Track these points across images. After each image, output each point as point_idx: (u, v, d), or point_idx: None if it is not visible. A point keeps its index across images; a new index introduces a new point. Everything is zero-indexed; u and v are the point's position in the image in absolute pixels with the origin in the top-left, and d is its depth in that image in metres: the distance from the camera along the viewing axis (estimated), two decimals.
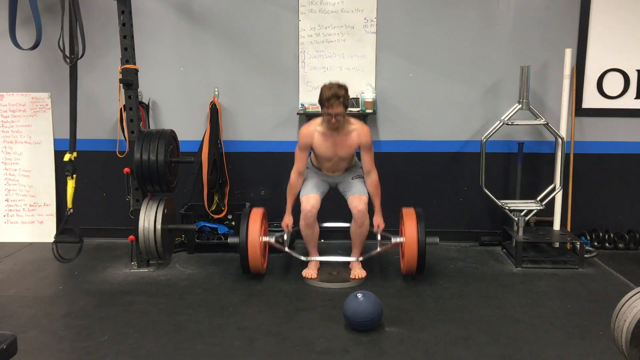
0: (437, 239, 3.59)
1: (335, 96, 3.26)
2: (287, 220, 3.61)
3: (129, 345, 2.77)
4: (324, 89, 3.33)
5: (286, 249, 3.69)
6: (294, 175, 3.56)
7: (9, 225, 4.51)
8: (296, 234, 4.25)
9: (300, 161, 3.53)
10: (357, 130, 3.47)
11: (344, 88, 3.33)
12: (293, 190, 3.59)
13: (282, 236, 3.70)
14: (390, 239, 3.60)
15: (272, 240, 3.68)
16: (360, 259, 3.66)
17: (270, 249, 4.14)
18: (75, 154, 3.63)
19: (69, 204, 3.63)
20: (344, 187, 3.66)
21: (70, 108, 3.63)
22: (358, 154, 3.62)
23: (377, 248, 3.61)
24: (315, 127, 3.49)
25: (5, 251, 4.24)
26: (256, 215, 3.63)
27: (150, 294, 3.42)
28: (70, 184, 3.62)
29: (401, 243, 3.59)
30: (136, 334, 2.89)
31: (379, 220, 3.58)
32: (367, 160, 3.52)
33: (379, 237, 3.60)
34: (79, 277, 3.74)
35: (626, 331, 2.08)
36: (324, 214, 3.65)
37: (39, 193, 4.50)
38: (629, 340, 2.07)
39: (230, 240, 3.65)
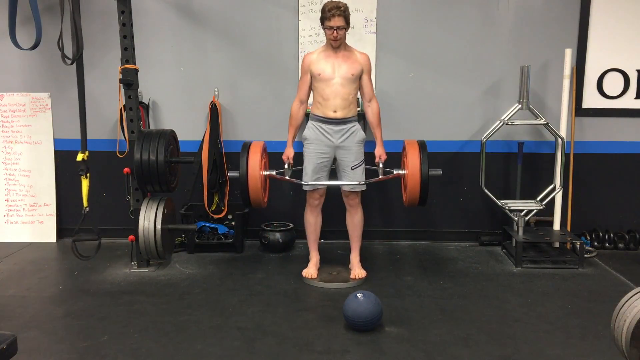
0: (439, 171, 3.55)
1: (336, 7, 3.30)
2: (288, 152, 3.60)
3: (129, 345, 2.77)
4: (325, 4, 3.38)
5: (287, 178, 3.62)
6: (295, 104, 3.57)
7: (9, 225, 4.51)
8: (296, 233, 4.27)
9: (301, 89, 3.54)
10: (360, 54, 3.51)
11: (346, 5, 3.37)
12: (294, 120, 3.59)
13: (283, 171, 3.65)
14: (392, 172, 3.58)
15: (273, 173, 3.62)
16: (362, 182, 3.58)
17: (271, 249, 4.15)
18: (87, 154, 3.66)
19: (85, 203, 3.69)
20: (341, 174, 3.59)
21: (80, 108, 3.66)
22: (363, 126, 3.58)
23: (379, 176, 3.58)
24: (316, 51, 3.53)
25: (5, 251, 4.24)
26: (256, 148, 3.57)
27: (150, 294, 3.42)
28: (85, 183, 3.67)
29: (404, 175, 3.57)
30: (136, 334, 2.89)
31: (380, 151, 3.59)
32: (369, 87, 3.54)
33: (380, 165, 3.59)
34: (79, 277, 3.74)
35: (626, 331, 2.08)
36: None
37: (39, 193, 4.50)
38: (629, 340, 2.07)
39: (231, 174, 3.62)
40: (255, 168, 3.49)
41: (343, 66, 3.43)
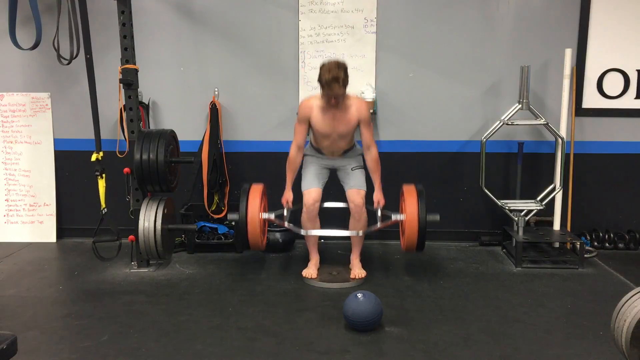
0: (437, 216, 3.54)
1: (335, 79, 3.23)
2: (287, 196, 3.60)
3: (129, 345, 2.76)
4: (324, 70, 3.28)
5: (286, 224, 3.65)
6: (293, 149, 3.56)
7: (9, 225, 4.51)
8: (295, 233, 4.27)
9: (299, 135, 3.52)
10: (356, 105, 3.46)
11: (344, 68, 3.29)
12: (292, 165, 3.58)
13: (282, 213, 3.66)
14: (390, 217, 3.58)
15: (272, 216, 3.64)
16: (360, 233, 3.62)
17: (271, 249, 4.15)
18: (101, 154, 3.68)
19: (102, 204, 3.71)
20: (343, 177, 3.66)
21: (92, 108, 3.70)
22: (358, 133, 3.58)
23: (377, 224, 3.58)
24: (315, 101, 3.46)
25: (5, 251, 4.24)
26: (256, 192, 3.59)
27: (150, 294, 3.42)
28: (101, 184, 3.71)
29: (402, 220, 3.58)
30: (136, 334, 2.89)
31: (379, 197, 3.57)
32: (367, 136, 3.52)
33: (379, 213, 3.58)
34: (79, 277, 3.74)
35: (626, 331, 2.08)
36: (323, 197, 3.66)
37: (39, 193, 4.50)
38: (629, 340, 2.07)
39: (230, 216, 3.63)
40: (255, 212, 3.51)
41: (341, 124, 3.43)
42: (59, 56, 3.51)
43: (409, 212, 3.46)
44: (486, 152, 4.08)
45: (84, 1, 3.54)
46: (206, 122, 4.32)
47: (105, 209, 3.72)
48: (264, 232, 3.69)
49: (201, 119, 4.39)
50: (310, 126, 3.52)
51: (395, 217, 3.58)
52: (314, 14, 4.22)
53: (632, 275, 3.72)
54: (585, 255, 4.00)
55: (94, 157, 3.70)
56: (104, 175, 3.71)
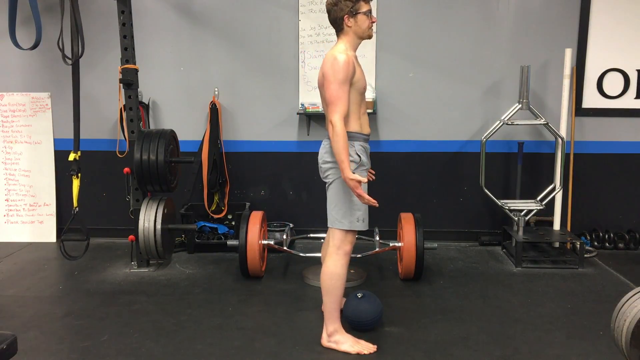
0: (435, 245, 3.61)
1: None
2: (357, 181, 2.49)
3: (129, 345, 2.76)
4: None
5: (285, 249, 3.70)
6: (343, 123, 2.50)
7: (9, 225, 4.51)
8: (296, 233, 4.27)
9: (346, 100, 2.53)
10: None
11: None
12: (347, 142, 2.51)
13: (281, 239, 3.73)
14: (388, 244, 3.63)
15: (272, 242, 3.71)
16: (359, 256, 3.64)
17: (270, 249, 4.14)
18: (79, 154, 3.66)
19: (75, 203, 3.68)
20: None
21: (74, 108, 3.66)
22: None
23: (375, 248, 3.63)
24: (349, 52, 2.60)
25: (5, 251, 4.24)
26: (255, 219, 3.63)
27: (150, 294, 3.42)
28: (76, 184, 3.68)
29: (399, 248, 3.60)
30: (136, 334, 2.89)
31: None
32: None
33: (377, 238, 3.61)
34: (79, 277, 3.74)
35: (626, 331, 2.08)
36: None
37: (39, 193, 4.51)
38: (629, 340, 2.07)
39: (230, 243, 3.66)
40: (254, 239, 3.53)
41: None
42: (64, 56, 3.51)
43: (407, 240, 3.49)
44: (486, 152, 4.07)
45: (77, 1, 3.52)
46: (206, 122, 4.32)
47: (77, 209, 3.69)
48: (263, 259, 3.72)
49: (201, 119, 4.39)
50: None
51: (393, 243, 3.62)
52: (314, 13, 4.22)
53: (632, 275, 3.72)
54: (585, 255, 4.01)
55: (71, 157, 3.65)
56: (79, 175, 3.69)
